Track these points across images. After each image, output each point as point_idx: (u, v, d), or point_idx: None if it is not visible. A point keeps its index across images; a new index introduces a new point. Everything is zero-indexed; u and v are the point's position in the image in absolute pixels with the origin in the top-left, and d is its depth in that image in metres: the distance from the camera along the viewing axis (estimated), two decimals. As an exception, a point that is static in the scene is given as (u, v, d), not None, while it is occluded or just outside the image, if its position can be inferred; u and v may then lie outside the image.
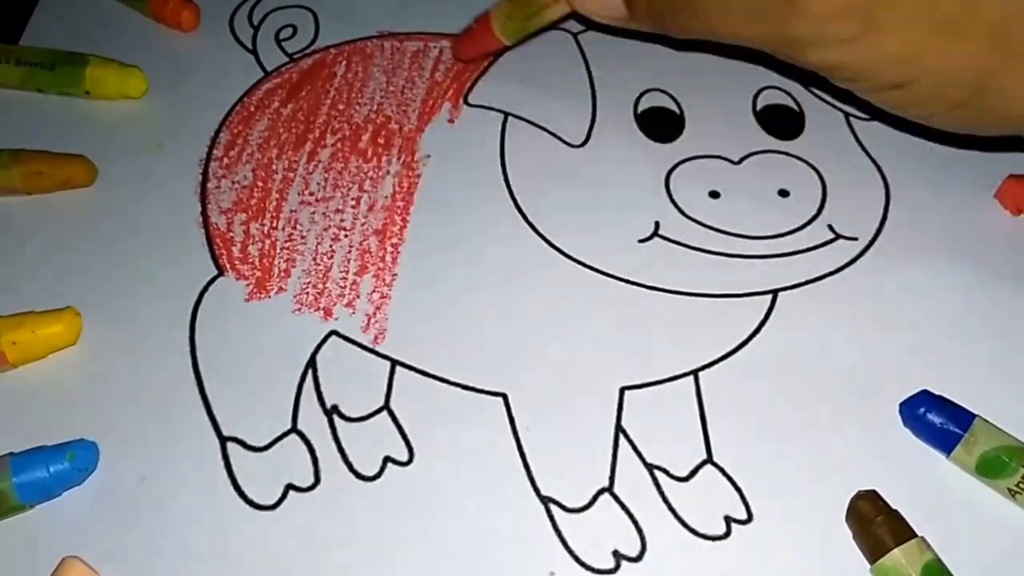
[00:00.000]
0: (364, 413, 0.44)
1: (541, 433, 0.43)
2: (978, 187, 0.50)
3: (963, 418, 0.41)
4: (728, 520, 0.41)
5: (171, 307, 0.46)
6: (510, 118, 0.53)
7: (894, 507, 0.40)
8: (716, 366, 0.44)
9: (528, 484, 0.42)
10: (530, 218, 0.49)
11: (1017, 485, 0.40)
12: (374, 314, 0.46)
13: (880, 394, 0.43)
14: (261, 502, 0.41)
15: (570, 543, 0.41)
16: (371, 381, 0.44)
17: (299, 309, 0.46)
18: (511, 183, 0.50)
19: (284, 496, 0.42)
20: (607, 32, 0.53)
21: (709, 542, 0.41)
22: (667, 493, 0.42)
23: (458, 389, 0.44)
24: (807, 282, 0.47)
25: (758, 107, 0.53)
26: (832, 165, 0.51)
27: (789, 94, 0.54)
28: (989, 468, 0.41)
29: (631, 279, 0.47)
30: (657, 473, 0.42)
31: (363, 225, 0.49)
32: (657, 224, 0.48)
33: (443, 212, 0.49)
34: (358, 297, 0.46)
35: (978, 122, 0.40)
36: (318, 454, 0.43)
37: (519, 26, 0.51)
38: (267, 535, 0.41)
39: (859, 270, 0.47)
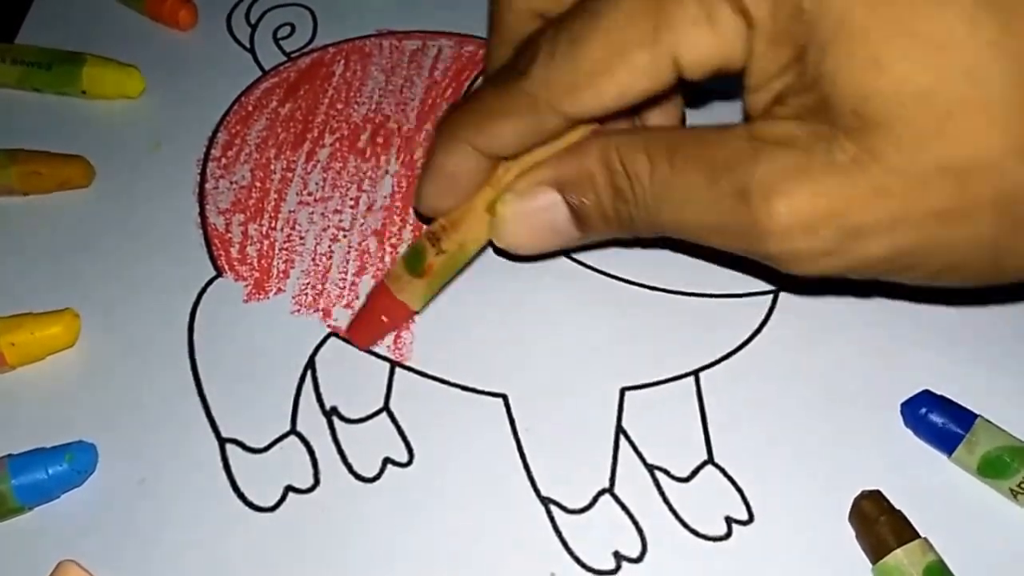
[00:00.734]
0: (364, 415, 0.44)
1: (541, 434, 0.43)
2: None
3: (965, 418, 0.41)
4: (729, 521, 0.41)
5: (169, 308, 0.46)
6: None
7: (897, 507, 0.40)
8: (717, 366, 0.44)
9: (528, 485, 0.42)
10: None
11: (1019, 485, 0.40)
12: (373, 314, 0.46)
13: (882, 394, 0.43)
14: (260, 504, 0.41)
15: (571, 544, 0.40)
16: (370, 382, 0.44)
17: (298, 310, 0.46)
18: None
19: (283, 498, 0.42)
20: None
21: (710, 543, 0.41)
22: (668, 494, 0.42)
23: (458, 390, 0.44)
24: (809, 282, 0.46)
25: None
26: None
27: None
28: (991, 468, 0.40)
29: (631, 279, 0.47)
30: (658, 474, 0.42)
31: (362, 225, 0.49)
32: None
33: (442, 212, 0.49)
34: (357, 298, 0.46)
35: (997, 281, 0.36)
36: (317, 456, 0.42)
37: (432, 283, 0.43)
38: (266, 537, 0.41)
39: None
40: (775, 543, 0.40)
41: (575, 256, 0.47)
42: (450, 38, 0.56)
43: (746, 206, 0.34)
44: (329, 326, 0.46)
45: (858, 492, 0.40)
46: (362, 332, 0.45)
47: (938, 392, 0.42)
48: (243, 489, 0.42)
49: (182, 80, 0.55)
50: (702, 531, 0.41)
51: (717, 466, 0.42)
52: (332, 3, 0.58)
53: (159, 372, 0.45)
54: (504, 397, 0.44)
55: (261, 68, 0.55)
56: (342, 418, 0.43)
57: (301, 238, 0.48)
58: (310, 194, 0.50)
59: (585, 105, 0.36)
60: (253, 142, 0.52)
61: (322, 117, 0.53)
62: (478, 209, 0.41)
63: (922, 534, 0.39)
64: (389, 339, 0.45)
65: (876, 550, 0.39)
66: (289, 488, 0.42)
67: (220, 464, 0.42)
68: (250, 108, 0.54)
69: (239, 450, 0.43)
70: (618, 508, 0.41)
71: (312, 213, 0.49)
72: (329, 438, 0.43)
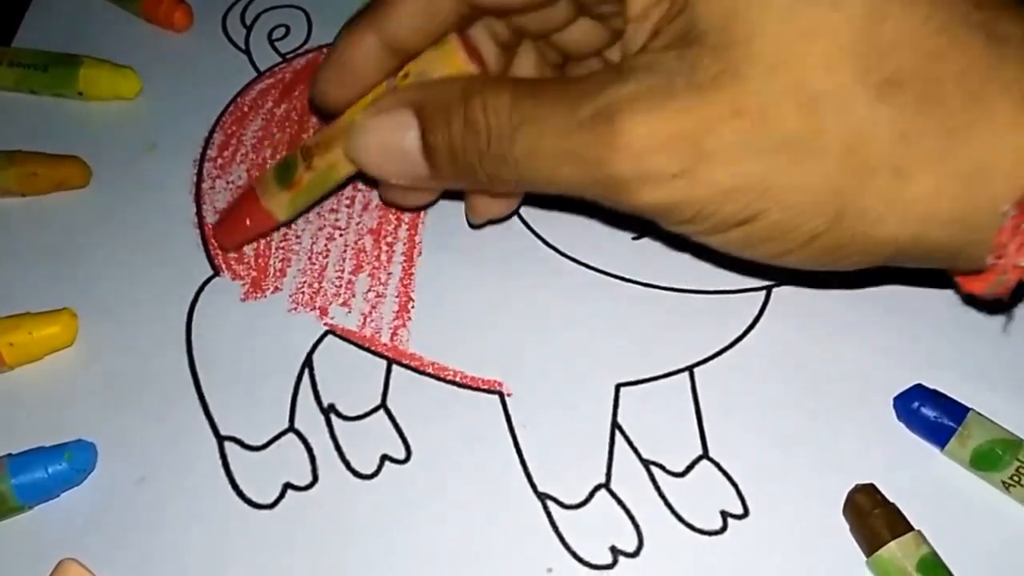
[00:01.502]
0: (361, 412, 0.44)
1: (537, 430, 0.43)
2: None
3: (957, 412, 0.41)
4: (724, 515, 0.41)
5: (167, 307, 0.47)
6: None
7: (891, 500, 0.40)
8: (711, 362, 0.45)
9: (525, 481, 0.42)
10: (524, 215, 0.49)
11: (1011, 478, 0.40)
12: (370, 313, 0.46)
13: (874, 388, 0.43)
14: (259, 501, 0.42)
15: (567, 539, 0.41)
16: (368, 380, 0.44)
17: (295, 308, 0.46)
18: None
19: (282, 495, 0.42)
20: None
21: (706, 537, 0.41)
22: (663, 489, 0.42)
23: (454, 387, 0.44)
24: (802, 277, 0.46)
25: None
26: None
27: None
28: (983, 461, 0.41)
29: (626, 276, 0.47)
30: (653, 469, 0.42)
31: (358, 224, 0.49)
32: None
33: (438, 210, 0.49)
34: (353, 296, 0.47)
35: (839, 254, 0.34)
36: (316, 453, 0.43)
37: (298, 198, 0.43)
38: (265, 534, 0.41)
39: (852, 265, 0.47)
40: (770, 537, 0.41)
41: (570, 253, 0.47)
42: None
43: (605, 124, 0.32)
44: (326, 324, 0.46)
45: (852, 485, 0.41)
46: (226, 233, 0.46)
47: (930, 386, 0.42)
48: (242, 486, 0.42)
49: (178, 81, 0.55)
50: (698, 525, 0.41)
51: (712, 461, 0.42)
52: (326, 4, 0.58)
53: (157, 371, 0.45)
54: (500, 394, 0.44)
55: (256, 69, 0.55)
56: (340, 415, 0.44)
57: (297, 237, 0.48)
58: None
59: None
60: (249, 142, 0.52)
61: (317, 117, 0.52)
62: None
63: (916, 527, 0.39)
64: (387, 336, 0.45)
65: (870, 543, 0.39)
66: (288, 485, 0.42)
67: (219, 462, 0.43)
68: (246, 109, 0.54)
69: (238, 448, 0.43)
70: (614, 503, 0.41)
71: (308, 212, 0.49)
72: (327, 435, 0.43)
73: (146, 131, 0.53)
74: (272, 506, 0.42)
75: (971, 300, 0.43)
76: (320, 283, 0.47)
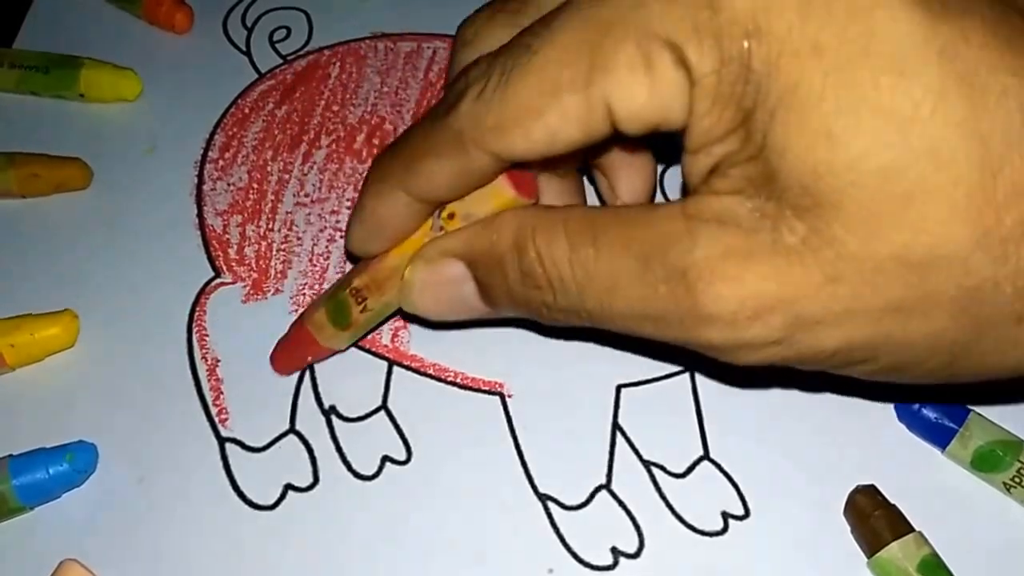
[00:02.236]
0: (362, 413, 0.44)
1: (538, 431, 0.43)
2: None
3: (958, 413, 0.41)
4: (725, 516, 0.41)
5: (168, 309, 0.47)
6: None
7: (892, 502, 0.40)
8: (712, 363, 0.44)
9: (526, 482, 0.42)
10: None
11: (1012, 479, 0.40)
12: (371, 314, 0.46)
13: (876, 389, 0.43)
14: (260, 502, 0.42)
15: (568, 540, 0.41)
16: (368, 381, 0.44)
17: (296, 310, 0.46)
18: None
19: (283, 496, 0.42)
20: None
21: (707, 538, 0.41)
22: (664, 490, 0.42)
23: (455, 388, 0.44)
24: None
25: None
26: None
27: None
28: (984, 462, 0.41)
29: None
30: (654, 470, 0.42)
31: (359, 226, 0.49)
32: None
33: (438, 212, 0.49)
34: (355, 297, 0.46)
35: (953, 381, 0.32)
36: (316, 454, 0.43)
37: (356, 334, 0.42)
38: (266, 535, 0.41)
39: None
40: (771, 538, 0.41)
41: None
42: (444, 40, 0.56)
43: (685, 291, 0.30)
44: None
45: (853, 487, 0.41)
46: (285, 366, 0.45)
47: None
48: (243, 488, 0.42)
49: (179, 83, 0.55)
50: (698, 526, 0.41)
51: (713, 462, 0.42)
52: (327, 6, 0.58)
53: (158, 372, 0.45)
54: (501, 396, 0.44)
55: (257, 71, 0.56)
56: (341, 417, 0.44)
57: (298, 239, 0.49)
58: (307, 195, 0.50)
59: (514, 146, 0.32)
60: (250, 144, 0.52)
61: (318, 119, 0.53)
62: (404, 269, 0.38)
63: (916, 528, 0.39)
64: (387, 337, 0.45)
65: (871, 544, 0.39)
66: (288, 486, 0.42)
67: (220, 463, 0.42)
68: (247, 110, 0.54)
69: (238, 449, 0.43)
70: (615, 504, 0.41)
71: (309, 214, 0.49)
72: (328, 436, 0.43)
73: (147, 133, 0.53)
74: (273, 507, 0.42)
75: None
76: (321, 285, 0.47)
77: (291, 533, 0.41)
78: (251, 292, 0.47)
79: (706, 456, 0.43)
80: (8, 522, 0.41)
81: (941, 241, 0.27)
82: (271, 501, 0.42)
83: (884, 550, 0.39)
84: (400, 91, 0.54)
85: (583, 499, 0.42)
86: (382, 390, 0.44)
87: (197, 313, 0.46)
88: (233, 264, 0.48)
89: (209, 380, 0.45)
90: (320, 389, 0.44)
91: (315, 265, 0.48)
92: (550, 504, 0.41)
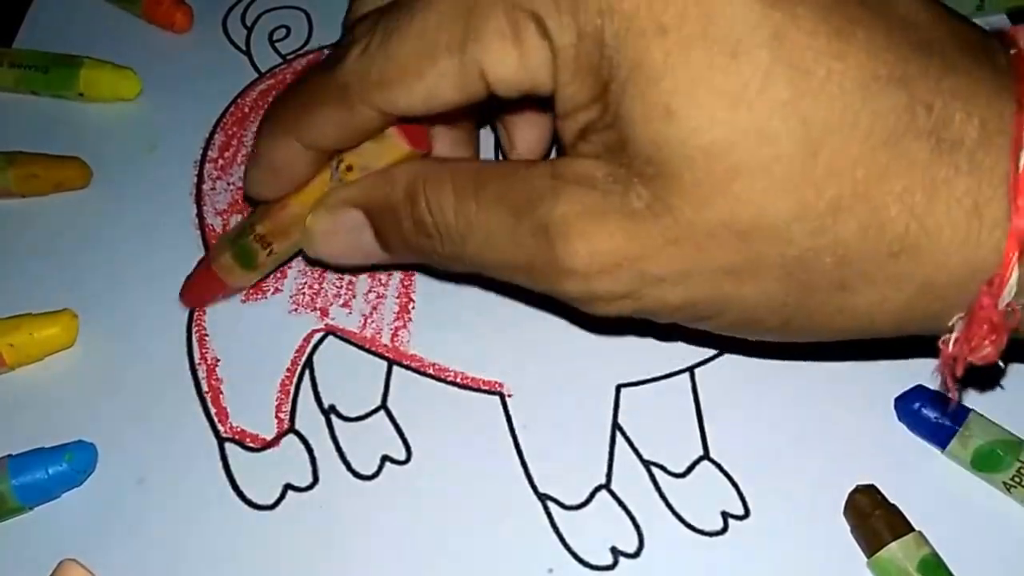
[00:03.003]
0: (362, 413, 0.44)
1: (538, 431, 0.43)
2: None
3: (958, 412, 0.41)
4: (725, 516, 0.41)
5: (168, 308, 0.46)
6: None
7: (892, 501, 0.40)
8: (712, 362, 0.45)
9: (526, 482, 0.42)
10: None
11: (1012, 478, 0.40)
12: (370, 314, 0.46)
13: (875, 389, 0.43)
14: (260, 502, 0.42)
15: (568, 540, 0.41)
16: (368, 380, 0.44)
17: (295, 309, 0.46)
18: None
19: (283, 496, 0.42)
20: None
21: (706, 538, 0.41)
22: (664, 490, 0.42)
23: (455, 388, 0.44)
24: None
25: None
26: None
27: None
28: (984, 462, 0.41)
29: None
30: (654, 470, 0.42)
31: (358, 225, 0.48)
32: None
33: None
34: (354, 297, 0.46)
35: (793, 339, 0.35)
36: (316, 454, 0.43)
37: (263, 273, 0.44)
38: (266, 535, 0.41)
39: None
40: (771, 537, 0.40)
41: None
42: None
43: (547, 245, 0.33)
44: (327, 325, 0.46)
45: (853, 486, 0.40)
46: (194, 302, 0.46)
47: (931, 387, 0.42)
48: (242, 488, 0.42)
49: (178, 82, 0.55)
50: (698, 526, 0.41)
51: (713, 461, 0.42)
52: (327, 5, 0.58)
53: (158, 372, 0.45)
54: (501, 395, 0.44)
55: (257, 70, 0.56)
56: (340, 416, 0.44)
57: (299, 238, 0.48)
58: None
59: (396, 102, 0.34)
60: (250, 143, 0.52)
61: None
62: (305, 216, 0.39)
63: (916, 528, 0.39)
64: (387, 336, 0.45)
65: (871, 544, 0.39)
66: (288, 486, 0.42)
67: (219, 463, 0.42)
68: (246, 110, 0.54)
69: (238, 449, 0.43)
70: (615, 504, 0.41)
71: None
72: (328, 436, 0.43)
73: (146, 132, 0.53)
74: (273, 507, 0.41)
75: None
76: (321, 284, 0.47)
77: (291, 533, 0.41)
78: (251, 291, 0.47)
79: (706, 456, 0.42)
80: (7, 522, 0.41)
81: (763, 212, 0.30)
82: (271, 501, 0.42)
83: (884, 550, 0.38)
84: None
85: (583, 499, 0.42)
86: (382, 390, 0.44)
87: (197, 313, 0.46)
88: None
89: (209, 380, 0.44)
90: (320, 388, 0.44)
91: (314, 264, 0.47)
92: (550, 504, 0.41)
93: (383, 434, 0.43)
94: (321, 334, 0.46)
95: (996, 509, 0.41)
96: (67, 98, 0.54)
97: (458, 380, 0.44)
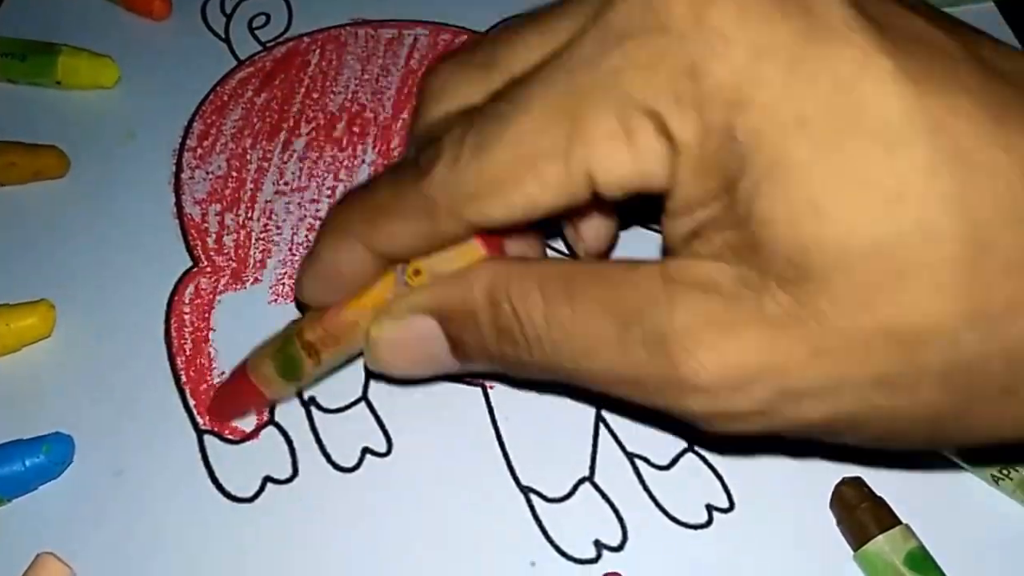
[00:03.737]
0: (342, 404, 0.43)
1: (520, 423, 0.43)
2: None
3: (945, 404, 0.41)
4: (710, 508, 0.41)
5: (146, 298, 0.46)
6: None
7: (878, 494, 0.40)
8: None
9: (508, 474, 0.42)
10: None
11: (1000, 471, 0.40)
12: (351, 304, 0.46)
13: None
14: (239, 495, 0.41)
15: (551, 533, 0.40)
16: (348, 372, 0.44)
17: (275, 300, 0.46)
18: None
19: (262, 488, 0.41)
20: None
21: (691, 531, 0.40)
22: (648, 482, 0.41)
23: (436, 379, 0.43)
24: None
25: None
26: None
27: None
28: (972, 454, 0.40)
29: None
30: (638, 462, 0.42)
31: (339, 215, 0.48)
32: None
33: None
34: (335, 287, 0.46)
35: (942, 447, 0.34)
36: (296, 446, 0.42)
37: (304, 385, 0.43)
38: (245, 528, 0.40)
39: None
40: (756, 530, 0.40)
41: (551, 243, 0.47)
42: (426, 27, 0.56)
43: (664, 358, 0.30)
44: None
45: (839, 479, 0.40)
46: (223, 415, 0.43)
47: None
48: (221, 480, 0.42)
49: (157, 70, 0.55)
50: (683, 519, 0.41)
51: (697, 454, 0.42)
52: (307, -8, 0.58)
53: (136, 363, 0.44)
54: (483, 386, 0.44)
55: (236, 58, 0.55)
56: (320, 408, 0.43)
57: (278, 228, 0.48)
58: (287, 184, 0.50)
59: (489, 214, 0.32)
60: (229, 132, 0.52)
61: (298, 106, 0.53)
62: (361, 324, 0.37)
63: (903, 520, 0.39)
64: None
65: (857, 537, 0.39)
66: (268, 479, 0.42)
67: (198, 455, 0.42)
68: (225, 98, 0.53)
69: (217, 441, 0.42)
70: (598, 497, 0.41)
71: (289, 203, 0.49)
72: (307, 428, 0.43)
73: (125, 120, 0.53)
74: (252, 500, 0.41)
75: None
76: None
77: (270, 526, 0.40)
78: (230, 282, 0.47)
79: (690, 448, 0.42)
80: (-17, 515, 0.41)
81: (930, 318, 0.27)
82: (250, 494, 0.41)
83: (870, 543, 0.38)
84: (381, 78, 0.54)
85: (566, 491, 0.41)
86: (362, 381, 0.44)
87: (175, 302, 0.46)
88: (212, 253, 0.48)
89: (187, 371, 0.44)
90: None
91: (295, 254, 0.47)
92: (532, 496, 0.41)
93: (364, 426, 0.43)
94: (301, 325, 0.45)
95: (984, 502, 0.41)
96: (45, 86, 0.54)
97: (439, 372, 0.44)
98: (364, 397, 0.44)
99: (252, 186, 0.50)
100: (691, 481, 0.42)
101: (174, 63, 0.55)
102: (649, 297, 0.30)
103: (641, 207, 0.33)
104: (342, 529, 0.40)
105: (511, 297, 0.33)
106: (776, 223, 0.27)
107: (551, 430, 0.43)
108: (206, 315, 0.46)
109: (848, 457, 0.41)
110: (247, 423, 0.43)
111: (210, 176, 0.50)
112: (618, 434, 0.43)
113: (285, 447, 0.42)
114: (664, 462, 0.42)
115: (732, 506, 0.41)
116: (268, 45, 0.56)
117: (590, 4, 0.30)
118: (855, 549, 0.39)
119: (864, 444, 0.33)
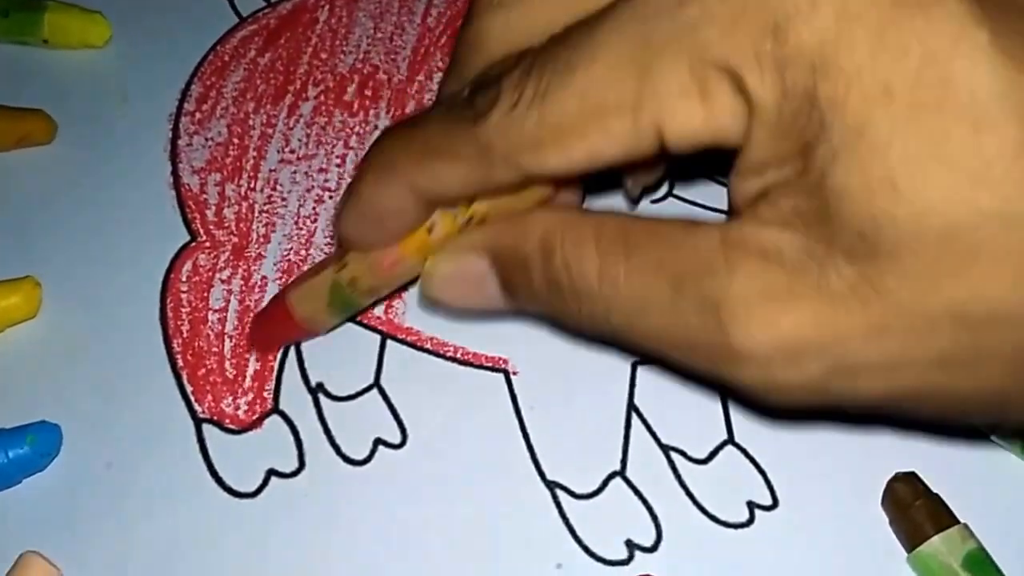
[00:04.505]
0: (352, 391, 0.43)
1: (546, 413, 0.42)
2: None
3: (1008, 394, 0.40)
4: (751, 506, 0.40)
5: (140, 276, 0.45)
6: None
7: (934, 491, 0.39)
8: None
9: (532, 468, 0.41)
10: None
11: (1068, 467, 0.39)
12: (362, 283, 0.45)
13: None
14: (240, 489, 0.40)
15: (579, 532, 0.40)
16: (360, 356, 0.43)
17: (281, 278, 0.45)
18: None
19: (265, 482, 0.41)
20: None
21: (731, 530, 0.40)
22: (684, 477, 0.41)
23: (455, 364, 0.43)
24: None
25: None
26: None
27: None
28: (1036, 448, 0.40)
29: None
30: (673, 455, 0.41)
31: (349, 185, 0.47)
32: (672, 183, 0.47)
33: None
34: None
35: (1001, 421, 0.35)
36: (302, 436, 0.41)
37: (329, 317, 0.41)
38: (247, 525, 0.40)
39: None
40: (801, 530, 0.40)
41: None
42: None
43: (717, 325, 0.30)
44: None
45: (891, 474, 0.39)
46: (264, 346, 0.43)
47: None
48: (221, 473, 0.41)
49: (152, 28, 0.53)
50: (722, 517, 0.40)
51: (738, 446, 0.41)
52: (314, -55, 0.57)
53: (129, 346, 0.43)
54: (506, 373, 0.43)
55: (238, 14, 0.54)
56: (329, 395, 0.42)
57: (283, 199, 0.47)
58: (292, 152, 0.48)
59: (548, 164, 0.32)
60: (230, 95, 0.50)
61: (305, 68, 0.51)
62: (413, 265, 0.37)
63: (961, 519, 0.38)
64: (380, 308, 0.44)
65: (912, 537, 0.38)
66: (272, 472, 0.41)
67: (196, 446, 0.41)
68: (226, 58, 0.52)
69: (217, 431, 0.42)
70: (630, 493, 0.41)
71: (295, 172, 0.48)
72: (315, 417, 0.42)
73: (117, 82, 0.51)
74: (254, 495, 0.40)
75: None
76: (308, 250, 0.46)
77: (274, 523, 0.40)
78: (231, 258, 0.46)
79: (730, 440, 0.42)
80: (-36, 511, 0.40)
81: (1003, 302, 0.27)
82: (252, 488, 0.41)
83: (926, 544, 0.37)
84: (395, 37, 0.52)
85: (595, 487, 0.41)
86: (375, 366, 0.43)
87: (171, 280, 0.45)
88: (211, 227, 0.46)
89: (184, 355, 0.43)
90: (307, 365, 0.43)
91: (301, 228, 0.46)
92: (559, 493, 0.40)
93: (376, 415, 0.42)
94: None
95: (1049, 499, 0.40)
96: (30, 44, 0.52)
97: (458, 356, 0.43)
98: (376, 384, 0.43)
99: (255, 154, 0.49)
100: (731, 476, 0.41)
101: (170, 20, 0.54)
102: (707, 261, 0.30)
103: (703, 157, 0.33)
104: (351, 527, 0.40)
105: (565, 249, 0.33)
106: (851, 195, 0.27)
107: (580, 420, 0.42)
108: (205, 294, 0.45)
109: (902, 450, 0.41)
110: (247, 412, 0.42)
111: (209, 143, 0.49)
112: (652, 425, 0.42)
113: (290, 437, 0.42)
114: (702, 455, 0.41)
115: (775, 503, 0.40)
116: (273, 1, 0.54)
117: None
118: (909, 551, 0.38)
119: (921, 418, 0.34)
